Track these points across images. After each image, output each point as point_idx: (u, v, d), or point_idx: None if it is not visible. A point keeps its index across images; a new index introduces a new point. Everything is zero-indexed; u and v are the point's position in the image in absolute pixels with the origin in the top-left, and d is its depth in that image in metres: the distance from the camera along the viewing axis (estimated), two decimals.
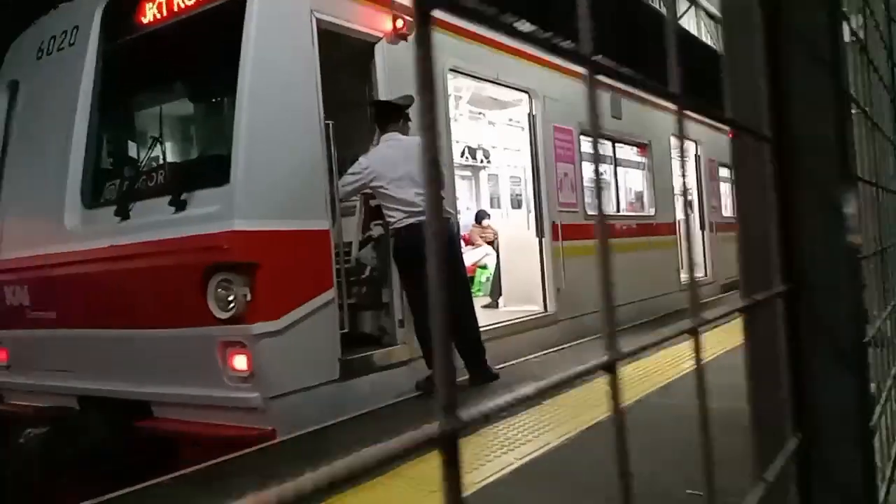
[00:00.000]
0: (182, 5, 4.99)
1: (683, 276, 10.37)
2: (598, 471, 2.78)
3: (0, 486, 4.97)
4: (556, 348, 6.60)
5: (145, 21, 5.18)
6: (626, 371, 5.22)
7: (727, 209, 12.70)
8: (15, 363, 5.60)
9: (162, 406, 4.71)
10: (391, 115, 5.19)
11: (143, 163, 5.25)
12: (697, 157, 11.47)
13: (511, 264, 7.93)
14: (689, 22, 13.47)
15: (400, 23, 5.46)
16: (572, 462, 3.33)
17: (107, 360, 4.91)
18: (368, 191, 5.22)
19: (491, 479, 3.10)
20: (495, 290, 8.47)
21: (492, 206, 11.42)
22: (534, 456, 3.39)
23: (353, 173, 5.07)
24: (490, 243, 9.83)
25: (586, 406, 4.27)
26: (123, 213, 4.81)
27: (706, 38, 13.49)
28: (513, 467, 3.24)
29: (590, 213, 8.19)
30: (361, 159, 5.13)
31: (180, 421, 4.58)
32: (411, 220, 4.99)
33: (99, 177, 5.30)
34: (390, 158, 5.07)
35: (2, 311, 5.50)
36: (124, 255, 4.63)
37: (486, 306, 8.25)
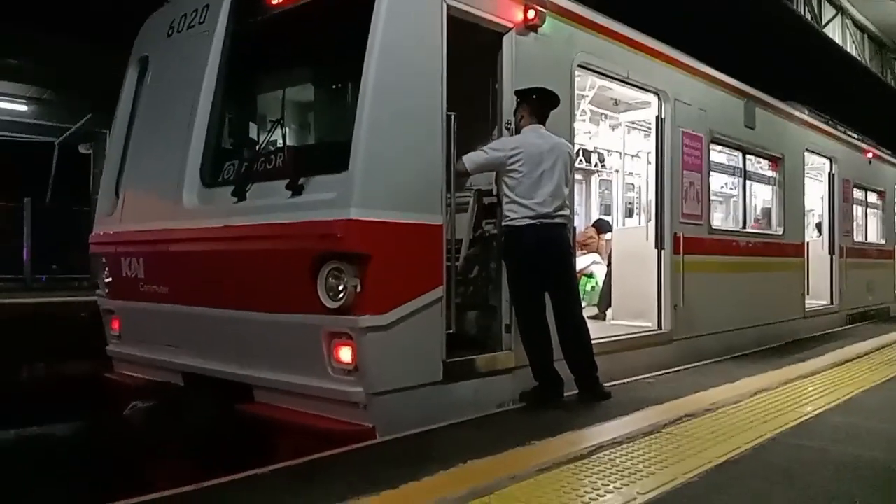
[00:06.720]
0: None
1: (809, 303, 9.64)
2: None
3: (103, 455, 5.05)
4: (671, 369, 6.17)
5: (274, 2, 5.13)
6: (750, 406, 4.77)
7: (860, 234, 11.78)
8: (126, 334, 5.70)
9: (263, 391, 4.65)
10: (544, 106, 4.97)
11: (263, 145, 5.20)
12: (831, 176, 10.65)
13: (623, 276, 7.48)
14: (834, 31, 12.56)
15: (531, 13, 5.20)
16: None
17: (214, 339, 4.89)
18: (486, 187, 4.97)
19: None
20: (603, 302, 8.05)
21: (602, 213, 10.97)
22: (659, 493, 3.05)
23: (494, 148, 4.84)
24: (599, 252, 9.42)
25: (713, 439, 3.89)
26: (240, 194, 4.77)
27: (851, 49, 12.54)
28: (637, 503, 2.92)
29: (715, 226, 7.68)
30: (506, 139, 4.89)
31: (280, 408, 4.51)
32: (533, 222, 4.72)
33: (218, 156, 5.27)
34: (539, 149, 4.85)
35: (118, 282, 5.60)
36: (238, 237, 4.59)
37: (592, 317, 7.85)
